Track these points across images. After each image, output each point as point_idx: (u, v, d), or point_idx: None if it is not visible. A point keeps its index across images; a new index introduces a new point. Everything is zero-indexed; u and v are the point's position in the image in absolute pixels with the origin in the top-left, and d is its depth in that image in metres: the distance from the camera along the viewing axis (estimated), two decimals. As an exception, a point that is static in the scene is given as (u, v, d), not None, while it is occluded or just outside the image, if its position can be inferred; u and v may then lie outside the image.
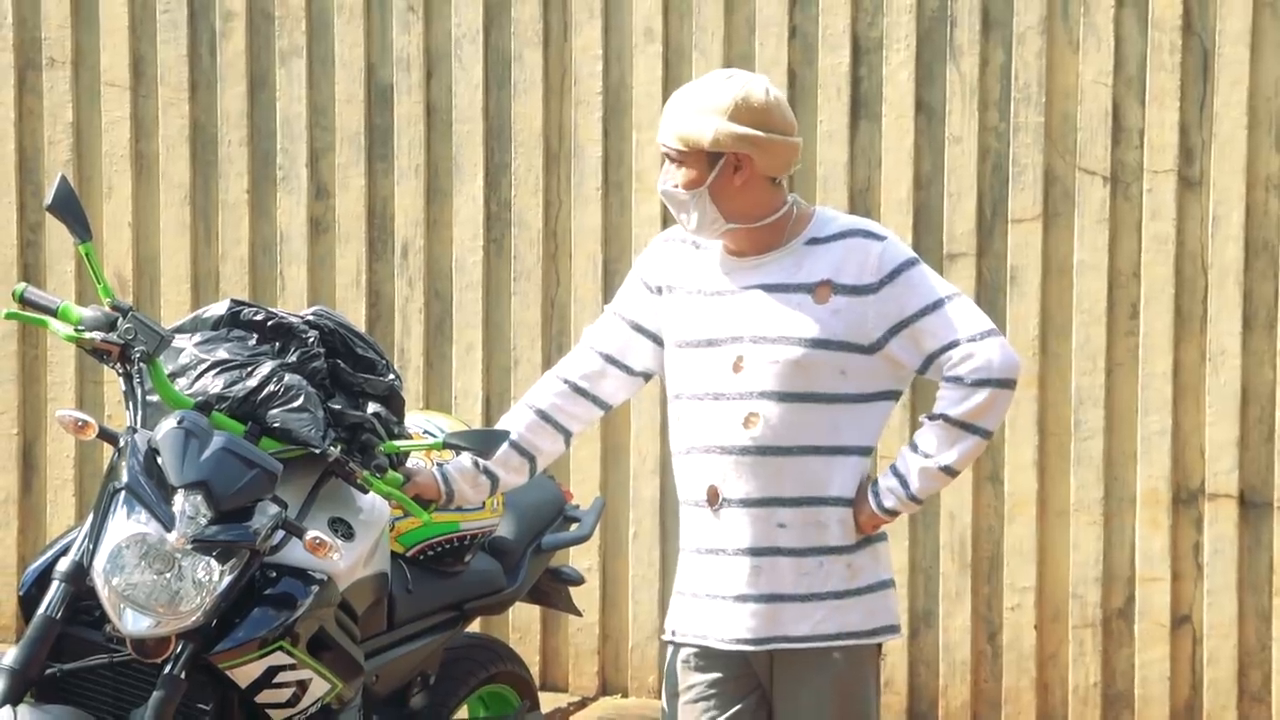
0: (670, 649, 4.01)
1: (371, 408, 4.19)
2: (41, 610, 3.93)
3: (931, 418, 3.89)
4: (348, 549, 4.12)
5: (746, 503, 3.88)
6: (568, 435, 4.13)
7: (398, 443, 4.16)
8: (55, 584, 3.95)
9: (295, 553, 4.01)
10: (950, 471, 3.90)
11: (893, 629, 3.95)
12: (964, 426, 3.86)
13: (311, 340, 4.19)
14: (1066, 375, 6.01)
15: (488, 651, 4.97)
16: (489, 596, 4.79)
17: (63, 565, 3.96)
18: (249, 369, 4.11)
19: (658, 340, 4.03)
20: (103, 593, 3.88)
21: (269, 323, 4.21)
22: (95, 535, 3.94)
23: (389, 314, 6.47)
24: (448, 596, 4.65)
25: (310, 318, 4.26)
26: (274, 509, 3.93)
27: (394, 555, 4.48)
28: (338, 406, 4.13)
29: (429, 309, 6.44)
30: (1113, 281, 5.97)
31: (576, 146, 6.29)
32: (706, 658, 3.94)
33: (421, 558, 4.60)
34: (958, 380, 3.85)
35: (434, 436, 4.31)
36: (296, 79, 6.47)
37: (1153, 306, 5.94)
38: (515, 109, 6.33)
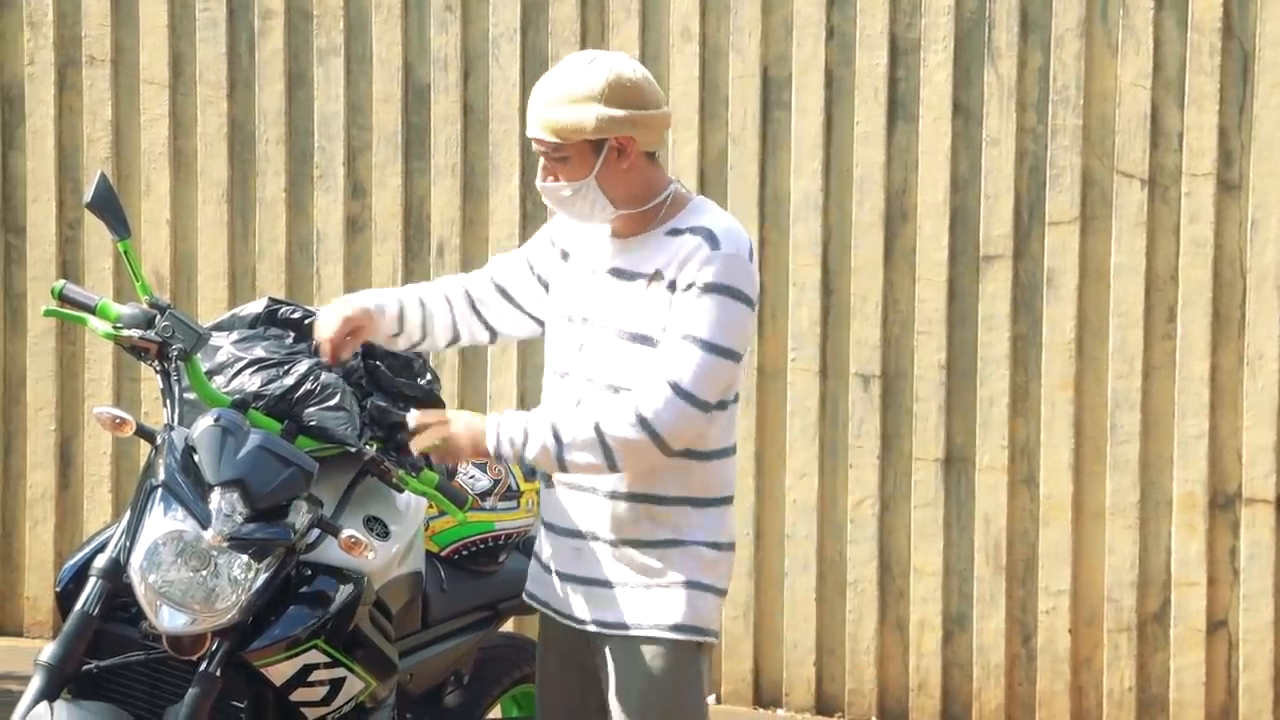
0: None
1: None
2: (79, 606, 3.94)
3: (589, 411, 3.78)
4: (383, 548, 4.13)
5: (569, 485, 3.92)
6: (452, 321, 4.11)
7: (434, 442, 4.16)
8: (92, 580, 3.96)
9: (330, 551, 4.02)
10: (564, 468, 3.83)
11: (702, 631, 3.89)
12: (604, 447, 3.77)
13: (348, 339, 4.19)
14: (1103, 378, 5.99)
15: (521, 651, 4.97)
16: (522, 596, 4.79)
17: (100, 562, 3.98)
18: (286, 367, 4.12)
19: (546, 287, 4.04)
20: (139, 589, 3.90)
21: (306, 321, 4.22)
22: (132, 532, 3.95)
23: (425, 313, 6.47)
24: (481, 596, 4.66)
25: (347, 316, 4.26)
26: (309, 507, 3.94)
27: (429, 555, 4.49)
28: (382, 404, 4.15)
29: (465, 308, 6.44)
30: (1150, 285, 5.95)
31: (613, 146, 6.29)
32: (555, 625, 4.03)
33: (456, 557, 4.61)
34: (627, 404, 3.76)
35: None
36: (334, 78, 6.48)
37: (1190, 310, 5.92)
38: (552, 109, 6.32)
